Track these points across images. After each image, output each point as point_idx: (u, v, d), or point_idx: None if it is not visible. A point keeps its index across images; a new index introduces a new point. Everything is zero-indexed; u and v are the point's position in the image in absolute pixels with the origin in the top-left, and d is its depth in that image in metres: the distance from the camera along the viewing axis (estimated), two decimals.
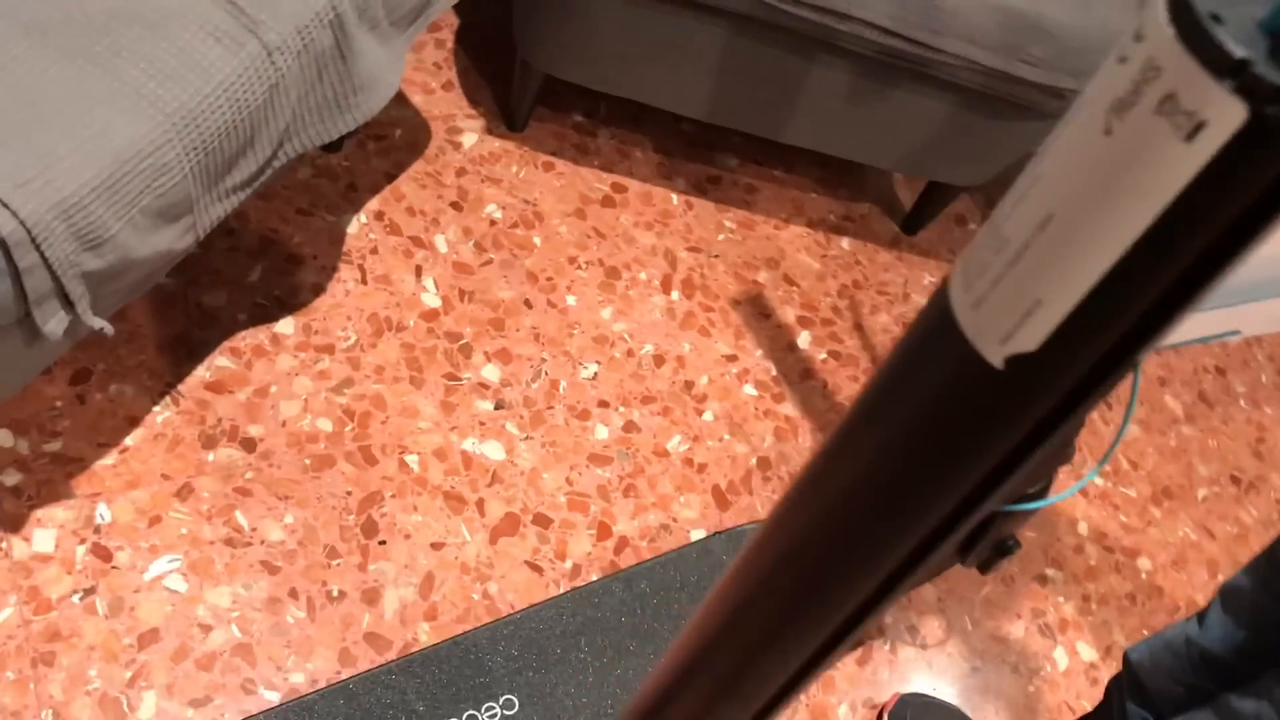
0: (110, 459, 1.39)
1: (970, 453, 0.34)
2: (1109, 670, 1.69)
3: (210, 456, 1.43)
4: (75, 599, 1.28)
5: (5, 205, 0.91)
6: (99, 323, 1.05)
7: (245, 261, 1.61)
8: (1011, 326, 0.30)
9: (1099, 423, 1.97)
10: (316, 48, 1.15)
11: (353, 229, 1.70)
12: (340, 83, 1.21)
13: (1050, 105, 1.67)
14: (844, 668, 1.55)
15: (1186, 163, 0.24)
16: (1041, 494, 1.40)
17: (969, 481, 0.35)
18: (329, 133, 1.24)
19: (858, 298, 1.95)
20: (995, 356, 0.31)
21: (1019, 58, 1.56)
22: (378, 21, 1.24)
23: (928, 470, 0.36)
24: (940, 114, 1.70)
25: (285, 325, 1.57)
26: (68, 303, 1.01)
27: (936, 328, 0.33)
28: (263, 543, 1.39)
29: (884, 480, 0.38)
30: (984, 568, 1.42)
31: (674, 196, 1.95)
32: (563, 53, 1.68)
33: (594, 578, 1.50)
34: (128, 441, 1.41)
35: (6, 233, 0.91)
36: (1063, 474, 1.48)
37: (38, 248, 0.94)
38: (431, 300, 1.67)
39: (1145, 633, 1.76)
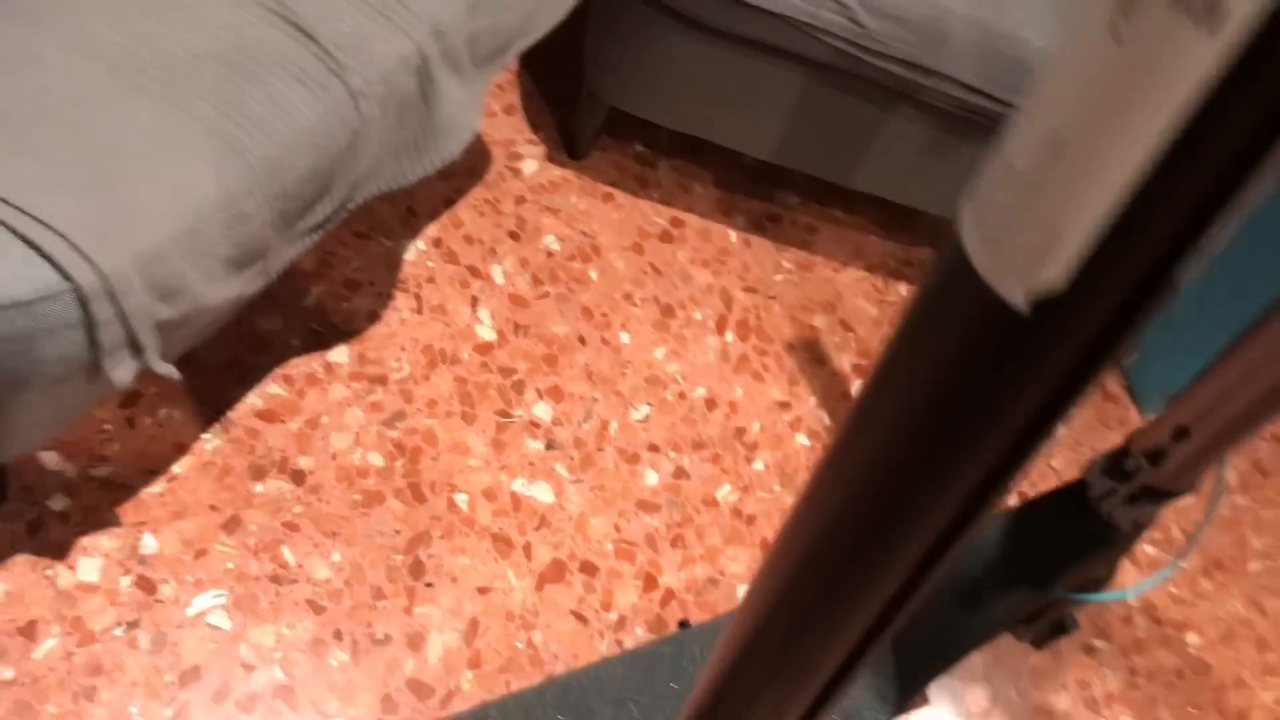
0: (158, 487, 1.36)
1: (1002, 409, 0.31)
2: None
3: (259, 488, 1.41)
4: (118, 632, 1.26)
5: (87, 258, 0.89)
6: (166, 368, 1.02)
7: (301, 285, 1.58)
8: (1033, 264, 0.27)
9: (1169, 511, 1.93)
10: (400, 93, 1.12)
11: (410, 255, 1.67)
12: (421, 127, 1.18)
13: None
14: None
15: (1209, 56, 0.22)
16: (1106, 583, 1.36)
17: (1002, 442, 0.32)
18: (406, 177, 1.21)
19: None
20: (1019, 299, 0.28)
21: None
22: (461, 64, 1.21)
23: (958, 433, 0.32)
24: None
25: (339, 353, 1.54)
26: (137, 350, 0.98)
27: (953, 275, 0.30)
28: (308, 580, 1.36)
29: (912, 448, 0.34)
30: (1039, 643, 1.39)
31: (732, 233, 1.91)
32: (634, 87, 1.64)
33: (638, 630, 1.47)
34: (176, 469, 1.38)
35: (86, 285, 0.89)
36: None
37: (115, 300, 0.91)
38: (486, 333, 1.64)
39: (1191, 711, 1.72)
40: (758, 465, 1.68)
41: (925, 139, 1.62)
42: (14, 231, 0.87)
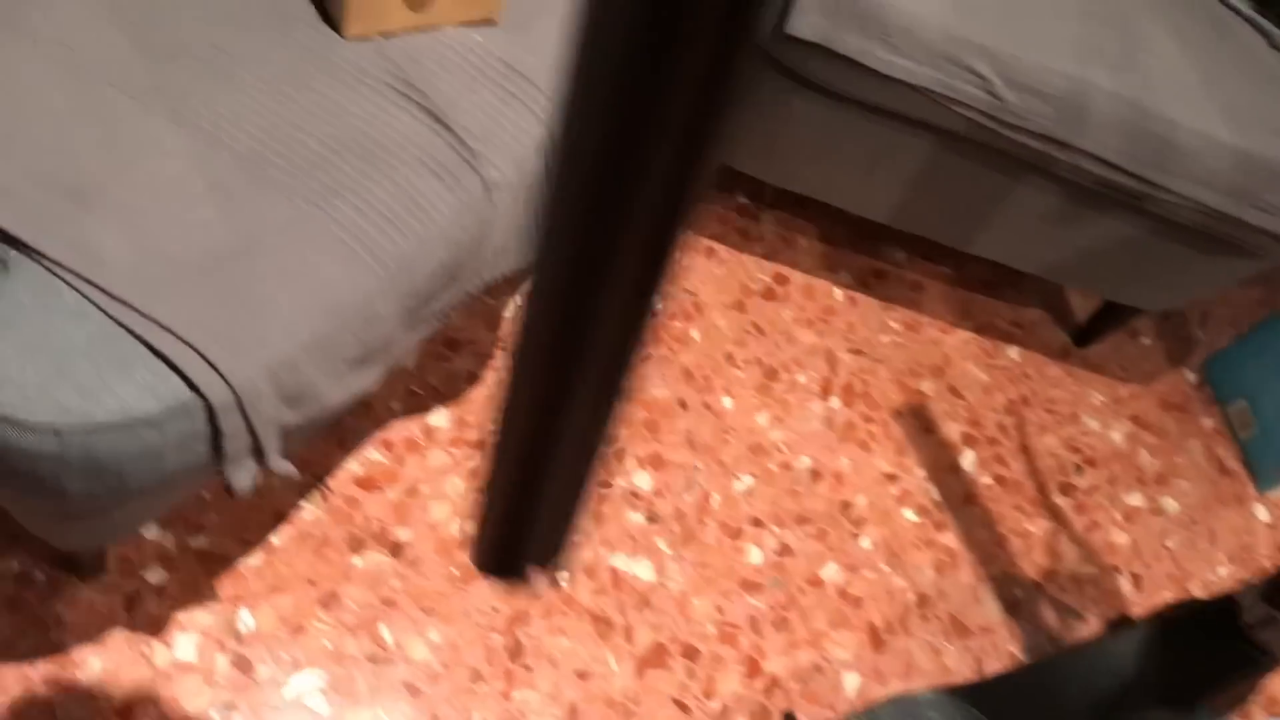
0: (255, 559, 1.32)
1: (664, 102, 0.32)
2: None
3: (357, 561, 1.36)
4: (214, 714, 1.22)
5: (218, 371, 0.84)
6: (286, 468, 0.98)
7: None
8: None
9: None
10: (531, 175, 1.07)
11: (509, 313, 1.61)
12: None
13: (1270, 247, 1.54)
14: None
15: None
16: (1248, 701, 1.28)
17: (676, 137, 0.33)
18: (530, 258, 1.15)
19: (1025, 415, 1.83)
20: None
21: (1252, 203, 1.43)
22: None
23: (639, 131, 0.33)
24: (1143, 243, 1.58)
25: (439, 417, 1.49)
26: (260, 455, 0.94)
27: None
28: (406, 661, 1.31)
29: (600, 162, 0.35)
30: None
31: (838, 291, 1.84)
32: (749, 147, 1.58)
33: None
34: (274, 540, 1.34)
35: (217, 401, 0.84)
36: None
37: (244, 413, 0.86)
38: None
39: None
40: (864, 543, 1.61)
41: (1052, 208, 1.53)
42: (143, 341, 0.83)
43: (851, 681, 1.50)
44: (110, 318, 0.83)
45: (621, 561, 1.48)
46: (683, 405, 1.63)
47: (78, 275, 0.83)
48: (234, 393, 0.85)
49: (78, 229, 0.85)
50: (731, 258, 1.80)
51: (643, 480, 1.55)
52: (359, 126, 0.96)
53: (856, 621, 1.54)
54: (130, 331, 0.83)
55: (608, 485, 1.53)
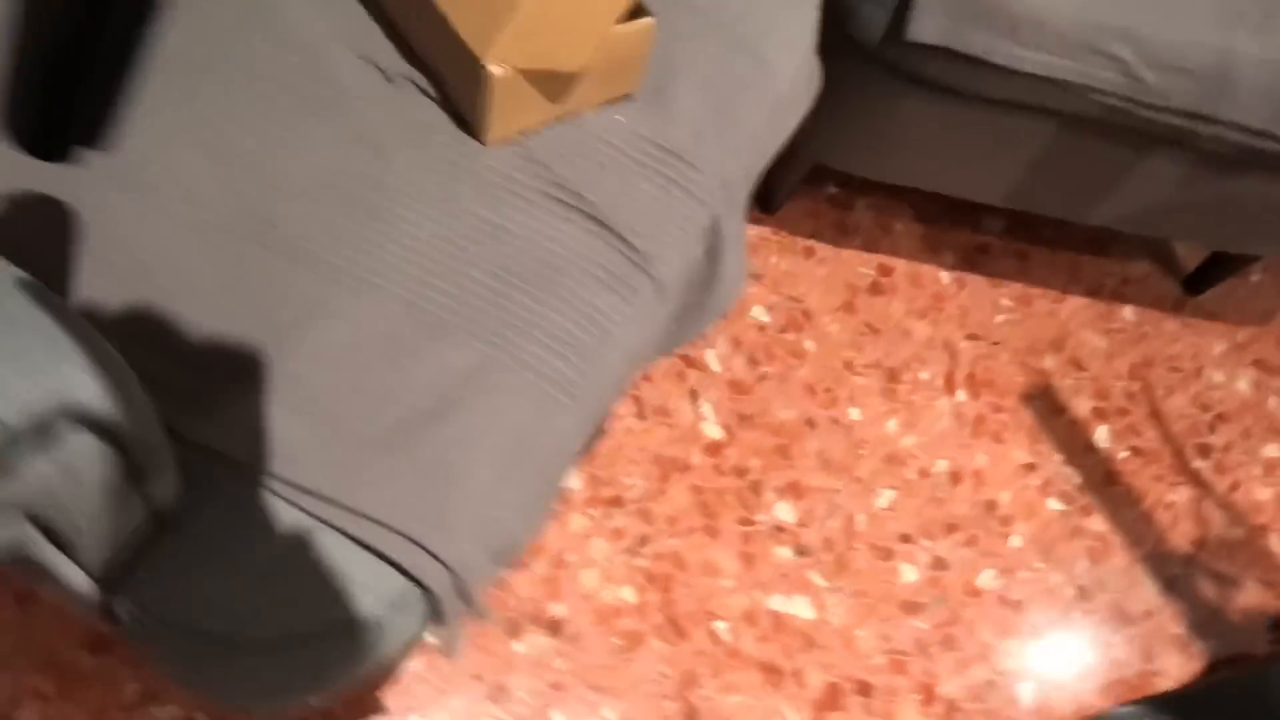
0: (418, 663, 1.27)
1: None
2: None
3: (518, 647, 1.31)
4: None
5: (434, 556, 0.77)
6: (489, 616, 0.91)
7: None
8: None
9: None
10: (693, 263, 0.99)
11: None
12: (704, 288, 1.04)
13: None
14: None
15: None
16: None
17: None
18: (684, 340, 1.08)
19: (1150, 378, 1.76)
20: None
21: None
22: (740, 209, 1.07)
23: None
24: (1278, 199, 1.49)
25: (571, 478, 1.43)
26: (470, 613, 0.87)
27: None
28: None
29: None
30: None
31: (944, 274, 1.76)
32: (854, 146, 1.48)
33: None
34: (428, 637, 1.28)
35: (436, 585, 0.77)
36: None
37: (462, 589, 0.80)
38: (712, 430, 1.52)
39: None
40: (1015, 541, 1.55)
41: (1183, 177, 1.44)
42: (354, 539, 0.76)
43: (1027, 691, 1.45)
44: (309, 514, 0.76)
45: (779, 603, 1.42)
46: (810, 425, 1.56)
47: (266, 473, 0.76)
48: (452, 573, 0.78)
49: (250, 417, 0.77)
50: (831, 255, 1.72)
51: (785, 512, 1.49)
52: (522, 247, 0.88)
53: (1022, 627, 1.49)
54: (334, 527, 0.76)
55: (751, 523, 1.46)
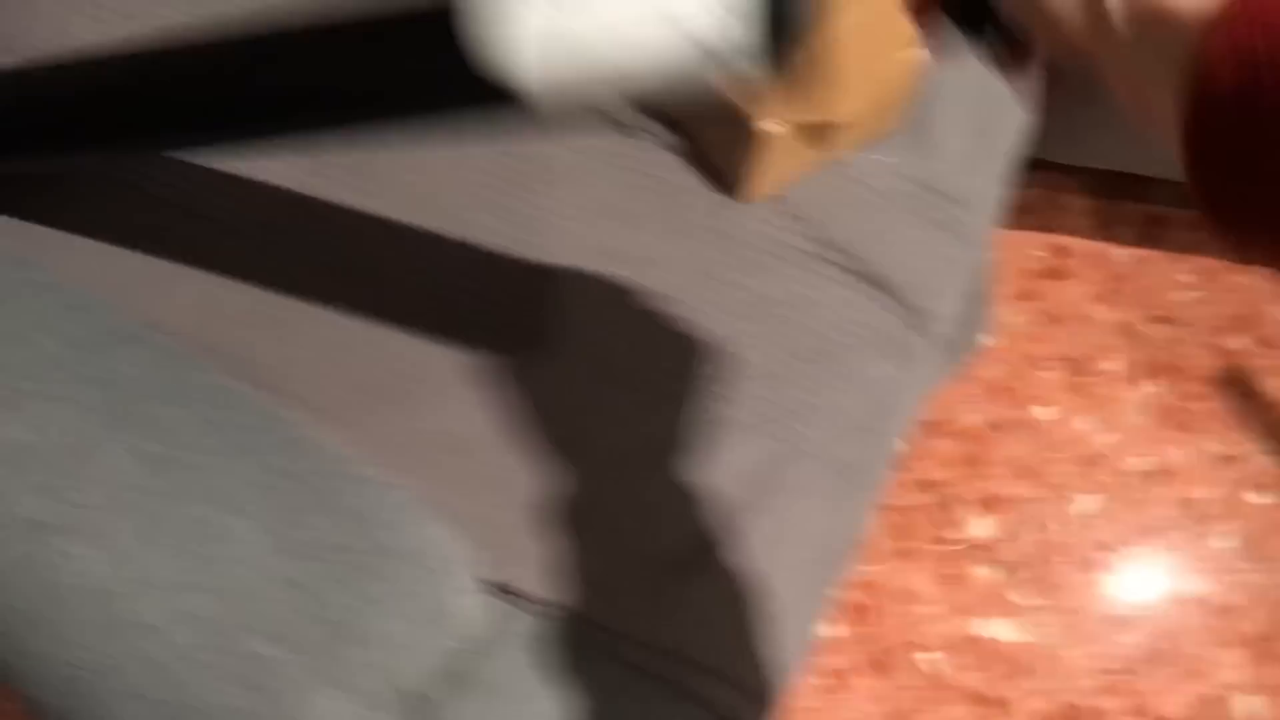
0: None
1: None
2: None
3: None
4: None
5: (752, 696, 0.69)
6: None
7: None
8: None
9: None
10: (963, 307, 0.89)
11: None
12: (962, 327, 0.94)
13: None
14: None
15: None
16: None
17: None
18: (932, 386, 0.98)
19: None
20: None
21: None
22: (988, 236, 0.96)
23: None
24: None
25: None
26: None
27: None
28: None
29: None
30: None
31: (1121, 252, 1.63)
32: (1070, 138, 1.37)
33: None
34: None
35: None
36: None
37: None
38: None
39: None
40: (1217, 542, 1.46)
41: None
42: (663, 679, 0.68)
43: (1242, 706, 1.37)
44: (623, 662, 0.67)
45: (983, 628, 1.34)
46: (995, 428, 1.47)
47: (567, 609, 0.68)
48: (764, 707, 0.70)
49: (530, 548, 0.69)
50: (1005, 237, 1.60)
51: (979, 528, 1.40)
52: (794, 319, 0.78)
53: (1232, 636, 1.40)
54: (646, 672, 0.68)
55: (943, 542, 1.38)
